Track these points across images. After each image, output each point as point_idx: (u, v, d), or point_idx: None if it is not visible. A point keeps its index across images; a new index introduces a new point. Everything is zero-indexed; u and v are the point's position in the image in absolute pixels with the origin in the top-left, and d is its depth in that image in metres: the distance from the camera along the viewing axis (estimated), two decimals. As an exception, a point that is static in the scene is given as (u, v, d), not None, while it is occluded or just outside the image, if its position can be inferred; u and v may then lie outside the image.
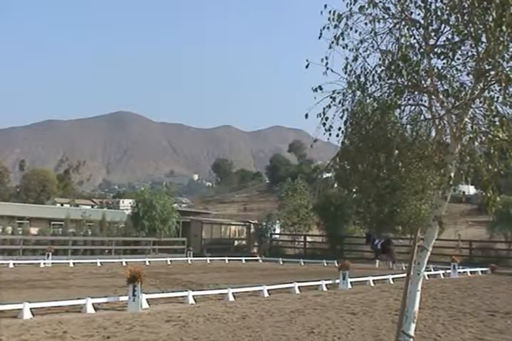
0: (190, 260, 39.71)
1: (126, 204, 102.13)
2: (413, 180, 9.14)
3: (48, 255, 33.36)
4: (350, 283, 22.49)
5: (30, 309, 13.47)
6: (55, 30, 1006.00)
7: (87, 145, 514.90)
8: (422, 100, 8.50)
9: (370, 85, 8.23)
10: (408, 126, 8.75)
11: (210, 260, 39.76)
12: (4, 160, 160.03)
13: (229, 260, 40.17)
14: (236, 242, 55.37)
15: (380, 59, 8.11)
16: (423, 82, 8.19)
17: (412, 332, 8.47)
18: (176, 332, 12.02)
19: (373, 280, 24.22)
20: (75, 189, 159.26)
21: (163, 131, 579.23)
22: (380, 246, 37.65)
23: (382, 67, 8.06)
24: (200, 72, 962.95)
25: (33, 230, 41.83)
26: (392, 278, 25.19)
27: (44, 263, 32.05)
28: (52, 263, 32.51)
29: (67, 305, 14.72)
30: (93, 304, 14.70)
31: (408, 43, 7.90)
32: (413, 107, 8.57)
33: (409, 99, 8.48)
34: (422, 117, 8.68)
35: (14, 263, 31.18)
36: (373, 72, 8.16)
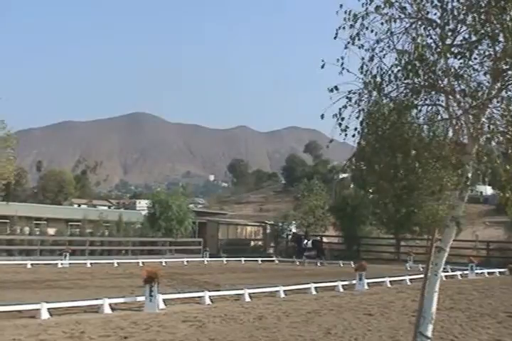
0: (207, 260, 39.76)
1: (143, 204, 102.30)
2: (430, 180, 9.10)
3: (66, 255, 33.52)
4: (367, 283, 22.42)
5: (48, 309, 13.52)
6: (71, 31, 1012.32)
7: (103, 146, 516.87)
8: (439, 100, 8.46)
9: (387, 85, 8.20)
10: (425, 127, 8.71)
11: (226, 260, 39.77)
12: (22, 161, 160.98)
13: (245, 260, 40.17)
14: (252, 243, 55.33)
15: (396, 59, 8.08)
16: (440, 81, 8.15)
17: (429, 333, 8.44)
18: (193, 332, 12.04)
19: (390, 281, 24.12)
20: (92, 189, 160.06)
21: (179, 131, 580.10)
22: (311, 245, 40.37)
23: (399, 67, 8.03)
24: (216, 72, 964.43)
25: (51, 231, 42.04)
26: (410, 279, 25.07)
27: (61, 264, 32.20)
28: (70, 263, 32.66)
29: (84, 306, 14.77)
30: (110, 304, 14.74)
31: (425, 43, 7.87)
32: (430, 107, 8.54)
33: (426, 99, 8.44)
34: (439, 117, 8.63)
35: (32, 264, 31.36)
36: (390, 72, 8.13)
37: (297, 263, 39.78)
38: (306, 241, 40.48)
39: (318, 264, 39.01)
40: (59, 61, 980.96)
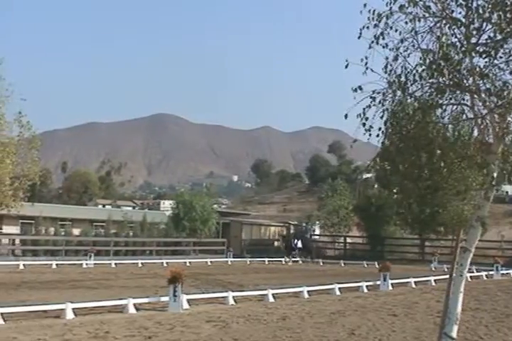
0: (230, 261, 39.85)
1: (167, 205, 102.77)
2: (455, 180, 9.03)
3: (90, 256, 33.76)
4: (391, 284, 22.32)
5: (73, 309, 13.62)
6: (95, 32, 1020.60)
7: (128, 147, 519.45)
8: (464, 99, 8.39)
9: (411, 85, 8.15)
10: (450, 126, 8.65)
11: (249, 261, 39.82)
12: (47, 162, 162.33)
13: (269, 261, 40.19)
14: (276, 243, 55.32)
15: (420, 58, 8.02)
16: (465, 81, 8.09)
17: (454, 334, 8.38)
18: (217, 332, 12.05)
19: (415, 282, 24.00)
20: (116, 190, 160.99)
21: (203, 132, 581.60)
22: (301, 244, 41.59)
23: (423, 67, 7.97)
24: (239, 73, 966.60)
25: (76, 231, 42.37)
26: (434, 280, 24.92)
27: (86, 264, 32.43)
28: (95, 263, 32.89)
29: (109, 306, 14.85)
30: (134, 304, 14.82)
31: (449, 42, 7.81)
32: (455, 107, 8.47)
33: (450, 99, 8.38)
34: (464, 117, 8.57)
35: (57, 264, 31.63)
36: (414, 71, 8.08)
37: (283, 262, 40.26)
38: (296, 240, 40.91)
39: (300, 262, 40.32)
40: (83, 62, 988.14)
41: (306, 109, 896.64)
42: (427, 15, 7.98)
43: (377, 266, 29.38)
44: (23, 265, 30.43)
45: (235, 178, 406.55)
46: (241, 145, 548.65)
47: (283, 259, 40.57)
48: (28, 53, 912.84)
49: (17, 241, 39.03)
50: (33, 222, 42.21)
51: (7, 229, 50.79)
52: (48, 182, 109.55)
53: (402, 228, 48.11)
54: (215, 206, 59.91)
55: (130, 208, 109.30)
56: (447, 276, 9.87)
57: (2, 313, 12.56)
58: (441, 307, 9.46)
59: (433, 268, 34.75)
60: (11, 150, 34.34)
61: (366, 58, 7.87)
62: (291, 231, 54.89)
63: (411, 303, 17.68)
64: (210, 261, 38.06)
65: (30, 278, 23.90)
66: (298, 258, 40.72)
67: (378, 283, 22.16)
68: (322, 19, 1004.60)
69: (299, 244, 40.87)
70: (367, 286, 21.57)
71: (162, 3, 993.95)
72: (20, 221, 48.85)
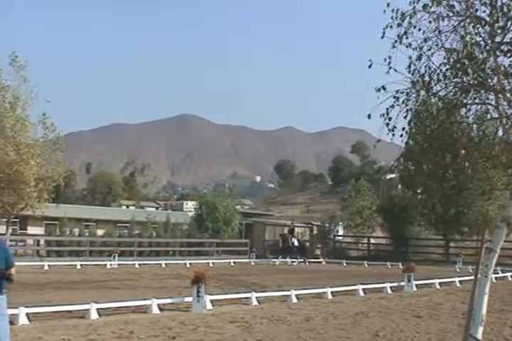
0: (254, 261, 39.84)
1: (190, 206, 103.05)
2: (480, 180, 8.97)
3: (114, 256, 33.93)
4: (416, 285, 22.17)
5: (97, 309, 13.69)
6: (118, 34, 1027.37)
7: (151, 148, 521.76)
8: (488, 99, 8.32)
9: (435, 84, 8.10)
10: (474, 126, 8.58)
11: (273, 261, 39.75)
12: (71, 164, 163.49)
13: (292, 261, 40.09)
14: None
15: (444, 57, 7.98)
16: (489, 80, 8.02)
17: (479, 336, 8.31)
18: (240, 333, 12.05)
19: (439, 283, 23.82)
20: (139, 191, 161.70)
21: (226, 133, 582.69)
22: (297, 244, 40.73)
23: (447, 66, 7.92)
24: (262, 73, 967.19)
25: (100, 232, 42.60)
26: (459, 281, 24.72)
27: (110, 264, 32.59)
28: (118, 264, 33.05)
29: (133, 306, 14.92)
30: (158, 305, 14.86)
31: (473, 41, 7.76)
32: (479, 106, 8.41)
33: (475, 98, 8.32)
34: (489, 116, 8.50)
35: (81, 264, 31.82)
36: (438, 70, 8.03)
37: (277, 262, 39.17)
38: (293, 240, 40.30)
39: (293, 263, 39.23)
40: (109, 64, 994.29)
41: (329, 110, 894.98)
42: (450, 14, 7.93)
43: (401, 266, 29.16)
44: (48, 265, 30.65)
45: (258, 179, 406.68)
46: (264, 146, 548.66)
47: (279, 260, 39.43)
48: (53, 55, 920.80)
49: (42, 242, 39.32)
50: (57, 222, 42.52)
51: (32, 229, 51.27)
52: (72, 184, 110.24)
53: (426, 228, 47.78)
54: (238, 207, 59.90)
55: (153, 209, 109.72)
56: (472, 277, 9.79)
57: (27, 313, 12.66)
58: (466, 308, 9.38)
59: (458, 269, 34.45)
60: (35, 152, 34.71)
61: (389, 58, 7.85)
62: (314, 231, 54.72)
63: (435, 304, 17.55)
64: (233, 262, 38.09)
65: (54, 279, 24.06)
66: (294, 259, 39.90)
67: (402, 284, 22.02)
68: (343, 19, 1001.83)
69: (296, 243, 40.39)
70: (391, 287, 21.45)
71: (185, 4, 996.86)
72: (45, 222, 49.28)
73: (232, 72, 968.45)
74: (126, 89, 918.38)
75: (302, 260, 39.78)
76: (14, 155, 33.12)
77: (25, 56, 35.30)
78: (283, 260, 38.99)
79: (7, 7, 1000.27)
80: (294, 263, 39.11)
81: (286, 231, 44.70)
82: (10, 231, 37.61)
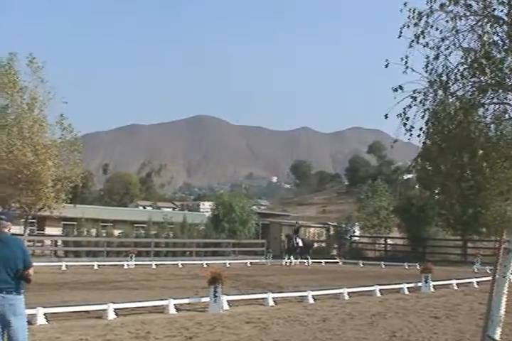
0: (270, 262, 39.80)
1: (207, 206, 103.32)
2: (498, 180, 8.90)
3: (131, 257, 34.02)
4: (433, 286, 22.07)
5: (115, 309, 13.73)
6: (135, 35, 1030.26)
7: (168, 148, 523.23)
8: (506, 98, 8.26)
9: (453, 84, 8.06)
10: (492, 126, 8.53)
11: (289, 262, 39.67)
12: (89, 164, 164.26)
13: (298, 262, 40.01)
14: (315, 244, 55.12)
15: (462, 57, 7.94)
16: (507, 79, 7.96)
17: (497, 337, 8.26)
18: (257, 333, 12.05)
19: (457, 284, 23.68)
20: (156, 192, 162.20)
21: (242, 133, 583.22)
22: (302, 243, 39.68)
23: (465, 65, 7.88)
24: (277, 74, 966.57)
25: (117, 232, 42.75)
26: (477, 281, 24.57)
27: (127, 265, 32.68)
28: (136, 264, 33.13)
29: (150, 306, 14.95)
30: (175, 305, 14.88)
31: (491, 40, 7.71)
32: (497, 106, 8.35)
33: (493, 98, 8.26)
34: (507, 116, 8.44)
35: (99, 265, 31.93)
36: (455, 70, 7.99)
37: (283, 263, 38.81)
38: (298, 239, 39.92)
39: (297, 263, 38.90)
40: (126, 65, 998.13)
41: (345, 110, 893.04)
42: (468, 13, 7.89)
43: (418, 267, 29.05)
44: (66, 266, 30.79)
45: (274, 179, 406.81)
46: (280, 146, 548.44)
47: (284, 260, 39.01)
48: (70, 55, 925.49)
49: (59, 243, 39.51)
50: (75, 223, 42.71)
51: (50, 230, 51.58)
52: (89, 184, 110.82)
53: (444, 229, 47.55)
54: (255, 207, 59.96)
55: (170, 209, 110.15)
56: (490, 278, 9.72)
57: (45, 313, 12.72)
58: (484, 309, 9.32)
59: (475, 270, 34.22)
60: (53, 153, 34.91)
61: (406, 57, 7.82)
62: (331, 232, 54.63)
63: (453, 305, 17.45)
64: (250, 262, 38.08)
65: (72, 279, 24.17)
66: (299, 259, 39.54)
67: (420, 284, 21.92)
68: (360, 19, 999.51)
69: (300, 243, 40.10)
70: (408, 288, 21.36)
71: (202, 4, 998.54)
72: (63, 222, 49.60)
73: (248, 72, 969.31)
74: (143, 90, 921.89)
75: (305, 260, 39.48)
76: (32, 156, 33.33)
77: (42, 57, 35.58)
78: (290, 260, 38.80)
79: (23, 8, 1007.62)
80: (299, 264, 38.90)
81: (291, 231, 44.46)
82: (28, 231, 37.85)
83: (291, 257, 38.94)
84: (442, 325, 13.65)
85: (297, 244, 39.36)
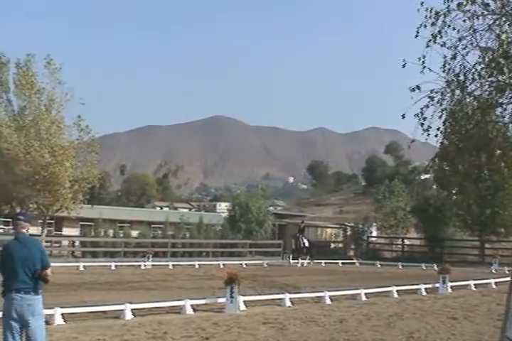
0: (286, 262, 39.74)
1: (223, 207, 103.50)
2: (516, 180, 8.85)
3: (148, 257, 34.11)
4: (451, 287, 21.95)
5: (132, 310, 13.78)
6: (152, 36, 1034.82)
7: (184, 149, 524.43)
8: (524, 98, 8.20)
9: (470, 84, 8.00)
10: (510, 125, 8.46)
11: (313, 262, 39.63)
12: (106, 165, 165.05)
13: (325, 263, 39.95)
14: (332, 245, 55.02)
15: (479, 56, 7.88)
16: (526, 79, 7.90)
17: (516, 338, 8.18)
18: (274, 334, 12.05)
19: (475, 284, 23.55)
20: (173, 192, 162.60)
21: (258, 134, 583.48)
22: (308, 244, 39.60)
23: (482, 65, 7.83)
24: (293, 74, 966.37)
25: (134, 233, 42.89)
26: (495, 282, 24.42)
27: (144, 265, 32.78)
28: (152, 265, 33.22)
29: (166, 306, 15.00)
30: (192, 305, 14.91)
31: (509, 40, 7.65)
32: (515, 106, 8.28)
33: (511, 97, 8.20)
34: (525, 116, 8.37)
35: (116, 265, 32.05)
36: (473, 70, 7.93)
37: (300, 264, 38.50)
38: (305, 240, 39.67)
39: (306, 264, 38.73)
40: (142, 66, 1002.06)
41: (361, 110, 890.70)
42: (485, 12, 7.83)
43: (436, 268, 28.91)
44: (83, 266, 30.93)
45: (291, 180, 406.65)
46: (297, 147, 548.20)
47: (297, 261, 38.70)
48: (87, 57, 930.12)
49: (77, 243, 39.72)
50: (92, 224, 42.95)
51: (67, 231, 51.91)
52: (106, 185, 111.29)
53: (461, 229, 47.30)
54: (271, 208, 59.93)
55: (187, 210, 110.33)
56: (508, 278, 9.65)
57: (63, 314, 12.79)
58: (502, 310, 9.24)
59: (493, 271, 33.99)
60: (70, 154, 35.10)
61: (423, 57, 7.78)
62: (348, 232, 54.52)
63: (471, 306, 17.35)
64: (266, 263, 38.06)
65: (89, 279, 24.28)
66: (306, 259, 39.26)
67: (437, 285, 21.81)
68: (376, 18, 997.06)
69: (306, 244, 39.87)
70: (425, 289, 21.27)
71: (218, 5, 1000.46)
72: (80, 223, 49.91)
73: (264, 73, 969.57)
74: (160, 91, 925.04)
75: (308, 261, 39.26)
76: (49, 157, 33.53)
77: (59, 58, 35.78)
78: (298, 261, 38.64)
79: (39, 10, 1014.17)
80: (308, 264, 38.76)
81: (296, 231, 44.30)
82: (45, 232, 38.08)
83: (299, 257, 38.81)
84: (460, 326, 13.58)
85: (304, 244, 39.23)
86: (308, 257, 39.49)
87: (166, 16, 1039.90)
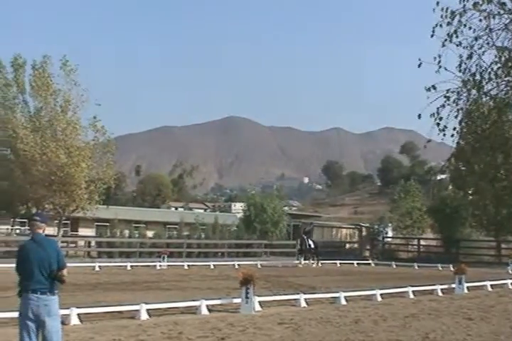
0: (302, 263, 39.67)
1: (238, 207, 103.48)
2: (533, 180, 8.78)
3: (164, 257, 34.16)
4: (467, 287, 21.82)
5: (147, 310, 13.80)
6: (166, 37, 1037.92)
7: (199, 150, 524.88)
8: (541, 98, 8.14)
9: (486, 83, 7.96)
10: (527, 125, 8.41)
11: (321, 263, 39.55)
12: (121, 166, 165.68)
13: (340, 263, 39.82)
14: (347, 245, 54.90)
15: (496, 56, 7.84)
16: (542, 78, 7.85)
17: (533, 339, 8.14)
18: (289, 334, 12.02)
19: (491, 285, 23.39)
20: (188, 193, 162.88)
21: (273, 134, 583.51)
22: (313, 245, 38.87)
23: (499, 64, 7.78)
24: (308, 74, 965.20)
25: (149, 233, 43.01)
26: (511, 283, 24.26)
27: (160, 266, 32.80)
28: (168, 265, 33.26)
29: (182, 307, 14.99)
30: (207, 305, 14.91)
31: (526, 39, 7.60)
32: (532, 105, 8.22)
33: (528, 97, 8.14)
34: (542, 115, 8.32)
35: (131, 266, 32.10)
36: (489, 69, 7.88)
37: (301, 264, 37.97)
38: (309, 241, 39.38)
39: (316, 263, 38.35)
40: (157, 67, 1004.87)
41: (376, 110, 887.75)
42: (501, 12, 7.79)
43: (452, 268, 28.77)
44: (99, 266, 30.99)
45: (306, 180, 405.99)
46: (311, 147, 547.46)
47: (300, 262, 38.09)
48: (104, 58, 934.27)
49: (93, 243, 39.85)
50: (108, 224, 43.11)
51: (83, 231, 52.19)
52: (122, 186, 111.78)
53: (477, 230, 47.05)
54: (286, 208, 59.92)
55: (202, 210, 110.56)
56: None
57: (79, 314, 12.83)
58: (520, 311, 9.20)
59: (510, 271, 33.77)
60: (86, 155, 35.30)
61: (439, 57, 7.74)
62: (363, 233, 54.41)
63: (487, 307, 17.24)
64: (282, 263, 38.01)
65: (105, 280, 24.34)
66: (311, 260, 38.90)
67: (453, 286, 21.69)
68: (391, 19, 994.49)
69: (312, 245, 39.62)
70: (441, 289, 21.15)
71: (238, 6, 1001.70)
72: (96, 223, 50.15)
73: (279, 73, 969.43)
74: (175, 92, 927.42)
75: (313, 262, 38.71)
76: (65, 158, 33.73)
77: (75, 59, 36.00)
78: (305, 261, 38.42)
79: (55, 10, 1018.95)
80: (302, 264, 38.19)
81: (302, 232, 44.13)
82: (61, 232, 38.29)
83: (304, 258, 38.57)
84: (476, 326, 13.50)
85: (309, 245, 39.04)
86: (313, 258, 39.32)
87: (183, 15, 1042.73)
